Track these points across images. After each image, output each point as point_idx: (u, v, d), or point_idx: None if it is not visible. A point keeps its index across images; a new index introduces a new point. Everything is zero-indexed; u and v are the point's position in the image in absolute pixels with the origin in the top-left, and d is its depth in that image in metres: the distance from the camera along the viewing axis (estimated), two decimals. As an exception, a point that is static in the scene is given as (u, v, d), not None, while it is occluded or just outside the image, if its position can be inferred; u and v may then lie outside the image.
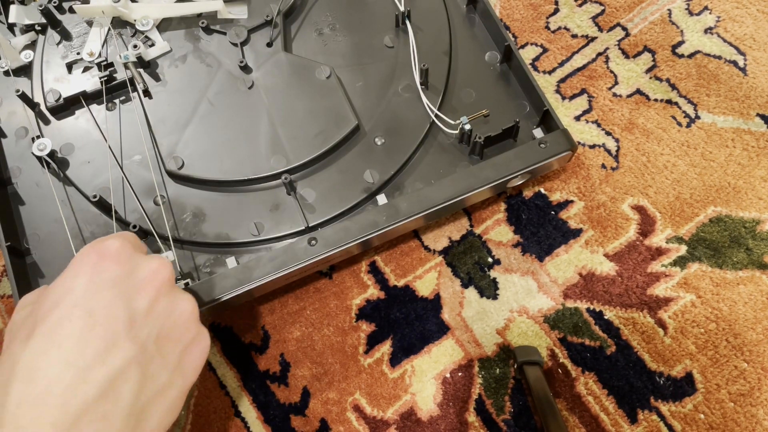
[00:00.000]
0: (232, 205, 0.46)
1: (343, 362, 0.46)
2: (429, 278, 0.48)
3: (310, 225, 0.44)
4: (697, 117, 0.50)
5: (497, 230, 0.49)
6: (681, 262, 0.46)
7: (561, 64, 0.53)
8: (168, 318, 0.32)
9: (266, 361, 0.47)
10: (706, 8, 0.54)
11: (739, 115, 0.50)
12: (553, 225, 0.49)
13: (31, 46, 0.51)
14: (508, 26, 0.55)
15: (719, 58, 0.52)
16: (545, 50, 0.54)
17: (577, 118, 0.52)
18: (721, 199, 0.48)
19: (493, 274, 0.48)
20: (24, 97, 0.48)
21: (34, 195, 0.47)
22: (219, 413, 0.46)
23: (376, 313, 0.47)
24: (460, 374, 0.45)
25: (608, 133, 0.51)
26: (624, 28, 0.54)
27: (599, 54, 0.53)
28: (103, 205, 0.45)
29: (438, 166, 0.46)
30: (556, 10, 0.55)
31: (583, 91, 0.52)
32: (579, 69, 0.53)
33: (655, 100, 0.51)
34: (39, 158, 0.46)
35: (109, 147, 0.47)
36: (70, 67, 0.50)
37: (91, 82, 0.49)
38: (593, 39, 0.54)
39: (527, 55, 0.54)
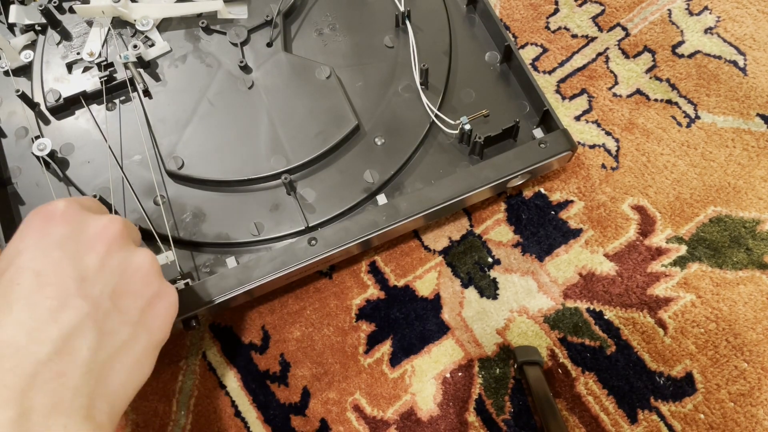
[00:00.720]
0: (232, 205, 0.46)
1: (343, 362, 0.46)
2: (429, 278, 0.48)
3: (310, 225, 0.44)
4: (697, 117, 0.50)
5: (497, 230, 0.49)
6: (681, 262, 0.46)
7: (561, 64, 0.53)
8: (123, 273, 0.31)
9: (266, 361, 0.47)
10: (706, 8, 0.54)
11: (739, 115, 0.50)
12: (553, 225, 0.49)
13: (31, 46, 0.51)
14: (508, 26, 0.55)
15: (719, 58, 0.52)
16: (545, 50, 0.54)
17: (577, 118, 0.52)
18: (721, 199, 0.48)
19: (493, 274, 0.48)
20: (24, 97, 0.48)
21: (34, 195, 0.47)
22: (219, 413, 0.46)
23: (376, 313, 0.47)
24: (460, 374, 0.45)
25: (608, 133, 0.51)
26: (624, 28, 0.54)
27: (599, 54, 0.53)
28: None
29: (438, 166, 0.46)
30: (556, 10, 0.55)
31: (583, 91, 0.52)
32: (579, 69, 0.53)
33: (655, 100, 0.51)
34: (39, 158, 0.46)
35: (109, 147, 0.47)
36: (70, 67, 0.50)
37: (91, 82, 0.49)
38: (593, 39, 0.54)
39: (527, 55, 0.54)
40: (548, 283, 0.47)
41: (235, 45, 0.49)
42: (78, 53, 0.50)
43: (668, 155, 0.49)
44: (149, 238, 0.45)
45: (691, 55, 0.52)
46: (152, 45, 0.50)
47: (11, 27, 0.51)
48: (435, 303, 0.47)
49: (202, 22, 0.50)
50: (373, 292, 0.48)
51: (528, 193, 0.50)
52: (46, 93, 0.48)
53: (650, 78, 0.52)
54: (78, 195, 0.46)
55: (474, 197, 0.45)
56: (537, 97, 0.46)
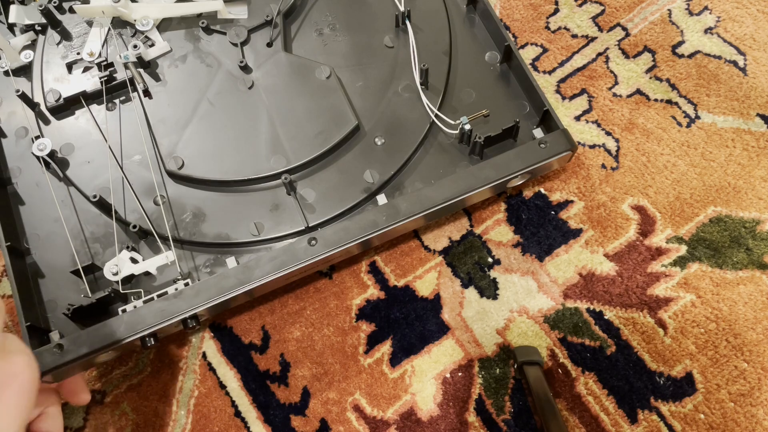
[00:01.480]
0: (232, 205, 0.46)
1: (343, 362, 0.46)
2: (429, 278, 0.48)
3: (310, 225, 0.44)
4: (697, 117, 0.50)
5: (497, 230, 0.49)
6: (681, 262, 0.46)
7: (561, 64, 0.53)
8: None
9: (266, 361, 0.47)
10: (706, 8, 0.54)
11: (739, 115, 0.50)
12: (553, 225, 0.49)
13: (31, 46, 0.51)
14: (508, 26, 0.55)
15: (719, 58, 0.52)
16: (545, 50, 0.54)
17: (577, 118, 0.51)
18: (721, 199, 0.48)
19: (493, 274, 0.48)
20: (24, 97, 0.48)
21: (34, 195, 0.47)
22: (219, 413, 0.46)
23: (376, 313, 0.47)
24: (460, 374, 0.45)
25: (608, 133, 0.51)
26: (624, 28, 0.54)
27: (599, 54, 0.53)
28: (103, 205, 0.45)
29: (438, 166, 0.46)
30: (556, 10, 0.55)
31: (583, 91, 0.52)
32: (579, 69, 0.53)
33: (655, 100, 0.51)
34: (39, 158, 0.46)
35: (109, 147, 0.47)
36: (70, 67, 0.50)
37: (91, 82, 0.49)
38: (593, 39, 0.54)
39: (527, 55, 0.54)
40: (548, 283, 0.47)
41: (235, 45, 0.49)
42: (78, 53, 0.50)
43: (668, 155, 0.49)
44: (149, 238, 0.45)
45: (691, 55, 0.52)
46: (152, 45, 0.50)
47: (11, 27, 0.51)
48: (435, 303, 0.47)
49: (202, 22, 0.50)
50: (373, 292, 0.48)
51: (528, 193, 0.50)
52: (46, 93, 0.48)
53: (650, 78, 0.52)
54: (78, 195, 0.46)
55: (474, 197, 0.45)
56: (537, 97, 0.46)
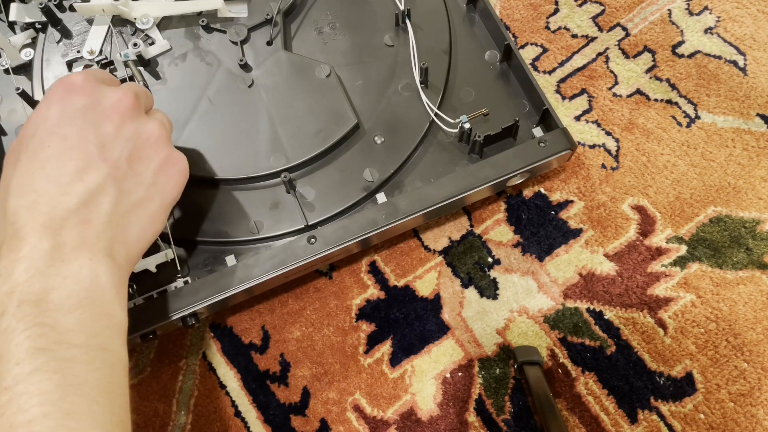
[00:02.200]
0: (231, 204, 0.45)
1: (343, 362, 0.46)
2: (429, 278, 0.48)
3: (310, 223, 0.44)
4: (697, 117, 0.50)
5: (497, 230, 0.49)
6: (681, 262, 0.46)
7: (561, 64, 0.53)
8: (137, 141, 0.35)
9: (266, 361, 0.47)
10: (706, 8, 0.54)
11: (739, 115, 0.50)
12: (553, 225, 0.49)
13: (32, 44, 0.51)
14: (508, 26, 0.55)
15: (719, 58, 0.52)
16: (545, 50, 0.54)
17: (577, 118, 0.51)
18: (721, 199, 0.48)
19: (493, 274, 0.48)
20: (24, 96, 0.48)
21: (34, 193, 0.47)
22: (219, 413, 0.46)
23: (376, 313, 0.47)
24: (460, 374, 0.45)
25: (608, 133, 0.51)
26: (624, 28, 0.54)
27: (599, 54, 0.53)
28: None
29: (437, 164, 0.46)
30: (556, 10, 0.55)
31: (583, 91, 0.52)
32: (579, 69, 0.53)
33: (655, 100, 0.51)
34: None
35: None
36: (70, 65, 0.49)
37: (90, 80, 0.49)
38: (593, 39, 0.54)
39: (527, 55, 0.54)
40: (548, 283, 0.47)
41: (235, 43, 0.49)
42: (78, 51, 0.50)
43: (668, 155, 0.49)
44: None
45: (691, 55, 0.52)
46: (152, 43, 0.50)
47: (12, 25, 0.51)
48: (435, 303, 0.47)
49: (202, 21, 0.50)
50: (373, 292, 0.48)
51: (528, 193, 0.50)
52: (46, 91, 0.48)
53: (650, 78, 0.52)
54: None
55: (473, 196, 0.45)
56: (537, 96, 0.46)
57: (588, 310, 0.46)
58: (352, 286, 0.48)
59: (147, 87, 0.48)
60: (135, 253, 0.35)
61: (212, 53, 0.49)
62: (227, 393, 0.46)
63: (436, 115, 0.47)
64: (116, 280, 0.32)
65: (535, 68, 0.53)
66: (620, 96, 0.52)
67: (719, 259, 0.46)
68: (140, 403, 0.46)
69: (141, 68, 0.49)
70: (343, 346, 0.47)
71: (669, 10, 0.54)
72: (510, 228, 0.49)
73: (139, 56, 0.49)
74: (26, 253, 0.30)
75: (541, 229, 0.48)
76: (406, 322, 0.47)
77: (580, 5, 0.55)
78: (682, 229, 0.47)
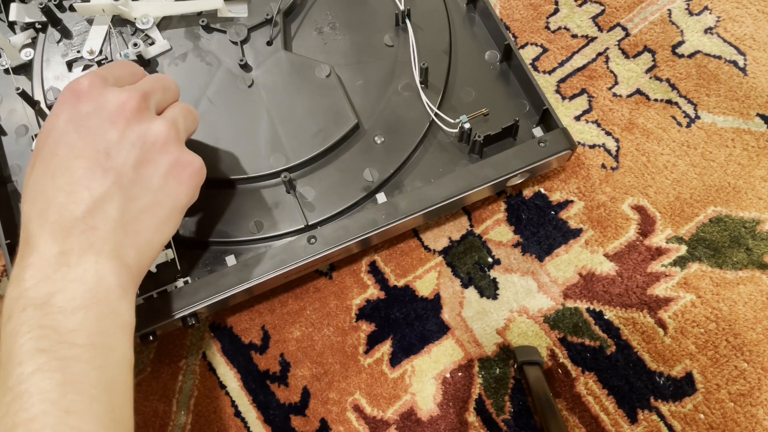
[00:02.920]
0: (231, 204, 0.45)
1: (343, 362, 0.46)
2: (429, 278, 0.48)
3: (310, 223, 0.44)
4: (697, 117, 0.50)
5: (497, 230, 0.49)
6: (681, 262, 0.46)
7: (561, 64, 0.53)
8: (143, 146, 0.35)
9: (266, 361, 0.47)
10: (706, 8, 0.54)
11: (739, 115, 0.50)
12: (553, 225, 0.49)
13: (32, 44, 0.51)
14: (508, 26, 0.55)
15: (719, 58, 0.52)
16: (545, 50, 0.54)
17: (577, 118, 0.51)
18: (721, 199, 0.48)
19: (493, 274, 0.48)
20: (24, 95, 0.48)
21: (34, 193, 0.47)
22: (219, 413, 0.46)
23: (376, 313, 0.47)
24: (460, 374, 0.45)
25: (608, 133, 0.51)
26: (624, 28, 0.54)
27: (599, 54, 0.53)
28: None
29: (437, 164, 0.46)
30: (556, 10, 0.55)
31: (583, 91, 0.52)
32: (579, 69, 0.53)
33: (655, 100, 0.51)
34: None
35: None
36: (70, 65, 0.49)
37: (90, 80, 0.49)
38: (593, 39, 0.54)
39: (527, 55, 0.54)
40: (548, 283, 0.47)
41: (235, 43, 0.49)
42: (78, 51, 0.50)
43: (668, 155, 0.49)
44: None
45: (691, 55, 0.52)
46: (152, 43, 0.50)
47: (12, 25, 0.51)
48: (435, 303, 0.47)
49: (202, 21, 0.50)
50: (373, 292, 0.48)
51: (528, 193, 0.50)
52: (46, 91, 0.48)
53: (650, 78, 0.52)
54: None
55: (473, 196, 0.45)
56: (537, 96, 0.46)
57: (588, 310, 0.46)
58: (352, 286, 0.48)
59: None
60: (147, 256, 0.35)
61: (212, 53, 0.49)
62: (227, 393, 0.46)
63: (436, 115, 0.47)
64: (123, 280, 0.32)
65: (535, 68, 0.53)
66: (620, 96, 0.52)
67: (719, 259, 0.46)
68: (140, 403, 0.46)
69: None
70: (343, 346, 0.47)
71: (669, 10, 0.54)
72: (510, 228, 0.49)
73: (139, 56, 0.49)
74: (34, 260, 0.31)
75: (541, 229, 0.48)
76: (406, 322, 0.47)
77: (580, 5, 0.55)
78: (682, 229, 0.47)
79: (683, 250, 0.47)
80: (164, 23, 0.51)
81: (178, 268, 0.44)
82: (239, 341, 0.47)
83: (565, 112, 0.52)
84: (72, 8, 0.51)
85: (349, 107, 0.47)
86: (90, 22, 0.51)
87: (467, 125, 0.45)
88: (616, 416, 0.43)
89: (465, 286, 0.47)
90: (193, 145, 0.47)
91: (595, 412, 0.44)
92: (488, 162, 0.44)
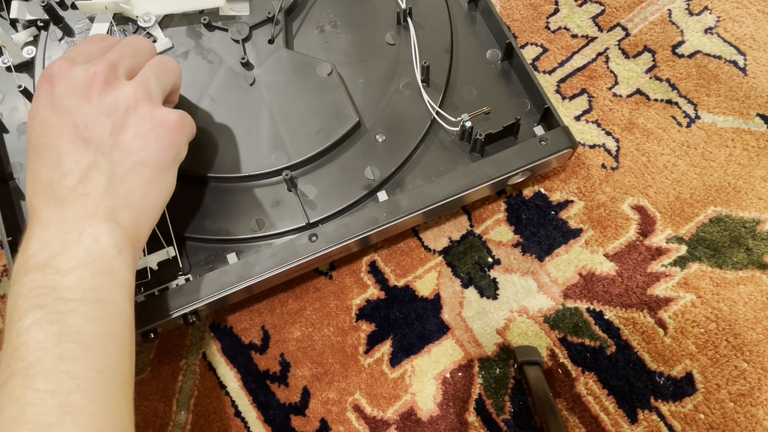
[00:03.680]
0: (232, 201, 0.45)
1: (343, 362, 0.46)
2: (429, 278, 0.48)
3: (311, 221, 0.44)
4: (697, 117, 0.50)
5: (497, 230, 0.49)
6: (681, 262, 0.46)
7: (561, 64, 0.53)
8: (116, 112, 0.36)
9: (266, 361, 0.46)
10: (706, 8, 0.54)
11: (739, 115, 0.50)
12: (553, 225, 0.49)
13: (33, 42, 0.51)
14: (508, 26, 0.55)
15: (719, 58, 0.52)
16: (545, 50, 0.54)
17: (577, 118, 0.52)
18: (721, 199, 0.48)
19: (493, 274, 0.48)
20: (26, 93, 0.48)
21: (34, 191, 0.47)
22: (219, 413, 0.45)
23: (376, 313, 0.47)
24: (460, 374, 0.45)
25: (608, 133, 0.51)
26: (624, 28, 0.54)
27: (599, 54, 0.53)
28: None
29: (439, 163, 0.46)
30: (556, 10, 0.55)
31: (583, 91, 0.52)
32: (579, 69, 0.53)
33: (655, 100, 0.51)
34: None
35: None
36: (71, 63, 0.49)
37: (91, 78, 0.49)
38: (593, 39, 0.54)
39: (527, 55, 0.54)
40: (548, 283, 0.47)
41: (237, 42, 0.49)
42: (79, 50, 0.50)
43: (668, 155, 0.50)
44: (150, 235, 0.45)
45: (691, 55, 0.52)
46: (154, 41, 0.50)
47: (13, 23, 0.51)
48: (435, 303, 0.47)
49: (204, 19, 0.50)
50: (373, 292, 0.48)
51: (528, 193, 0.50)
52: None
53: (650, 78, 0.52)
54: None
55: (475, 194, 0.45)
56: (538, 95, 0.46)
57: (588, 310, 0.46)
58: (352, 286, 0.48)
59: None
60: (143, 217, 0.36)
61: (214, 51, 0.49)
62: (227, 393, 0.46)
63: (437, 113, 0.47)
64: (119, 241, 0.34)
65: (536, 68, 0.54)
66: (620, 96, 0.52)
67: (719, 259, 0.46)
68: (140, 403, 0.46)
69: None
70: (343, 346, 0.46)
71: (669, 10, 0.54)
72: (510, 228, 0.49)
73: (141, 54, 0.48)
74: (37, 231, 0.34)
75: (541, 229, 0.48)
76: (406, 322, 0.47)
77: (580, 5, 0.55)
78: (682, 229, 0.47)
79: (683, 250, 0.47)
80: (166, 21, 0.51)
81: (180, 265, 0.44)
82: (239, 341, 0.47)
83: (565, 112, 0.52)
84: (74, 6, 0.51)
85: (351, 105, 0.47)
86: (92, 19, 0.51)
87: (468, 124, 0.45)
88: (616, 416, 0.43)
89: (465, 286, 0.47)
90: (194, 143, 0.47)
91: (595, 412, 0.43)
92: (489, 160, 0.44)
